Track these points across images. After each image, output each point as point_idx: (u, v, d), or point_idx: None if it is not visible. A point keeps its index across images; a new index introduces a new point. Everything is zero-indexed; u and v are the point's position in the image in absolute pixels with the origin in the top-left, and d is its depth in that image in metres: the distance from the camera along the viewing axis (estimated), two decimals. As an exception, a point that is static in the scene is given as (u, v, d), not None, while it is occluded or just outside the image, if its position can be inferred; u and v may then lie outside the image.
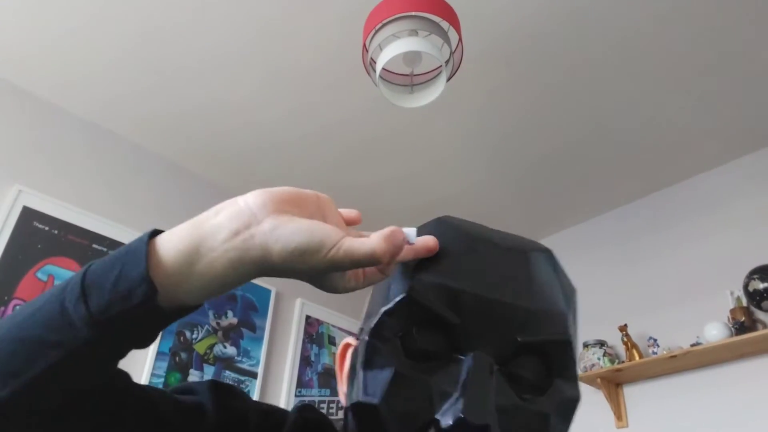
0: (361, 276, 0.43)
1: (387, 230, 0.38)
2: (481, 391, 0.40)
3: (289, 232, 0.36)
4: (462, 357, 0.42)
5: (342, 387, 0.53)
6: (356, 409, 0.43)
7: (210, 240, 0.37)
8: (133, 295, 0.35)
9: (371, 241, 0.36)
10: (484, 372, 0.41)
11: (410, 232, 0.41)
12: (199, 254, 0.37)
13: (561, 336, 0.44)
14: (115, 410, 0.41)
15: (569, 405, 0.45)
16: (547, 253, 0.48)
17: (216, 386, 0.50)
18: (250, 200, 0.38)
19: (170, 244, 0.37)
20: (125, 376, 0.43)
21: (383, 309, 0.44)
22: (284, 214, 0.37)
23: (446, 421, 0.39)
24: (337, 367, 0.55)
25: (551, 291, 0.46)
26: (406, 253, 0.41)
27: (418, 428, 0.40)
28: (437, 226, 0.47)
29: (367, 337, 0.45)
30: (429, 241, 0.43)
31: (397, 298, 0.44)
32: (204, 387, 0.50)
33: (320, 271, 0.37)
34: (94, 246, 2.38)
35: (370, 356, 0.44)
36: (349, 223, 0.45)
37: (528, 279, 0.45)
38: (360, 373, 0.44)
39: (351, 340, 0.54)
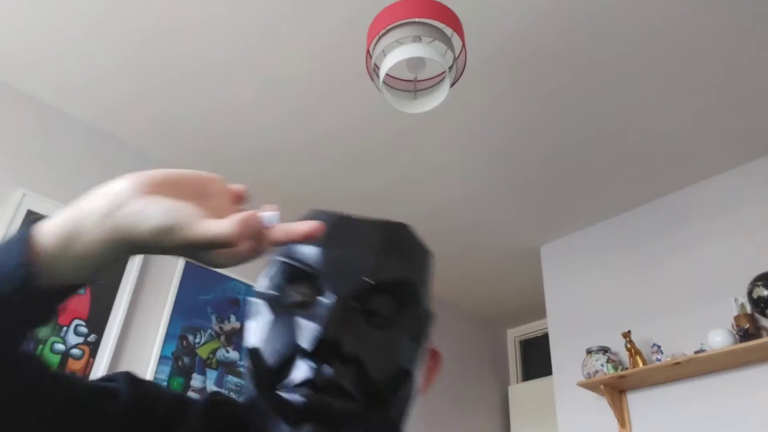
0: (232, 253, 0.43)
1: (243, 214, 0.39)
2: (336, 318, 0.50)
3: (150, 213, 0.38)
4: (324, 299, 0.52)
5: None
6: (246, 354, 0.53)
7: (84, 222, 0.39)
8: (13, 278, 0.39)
9: (224, 224, 0.38)
10: (340, 306, 0.51)
11: (271, 216, 0.41)
12: (73, 238, 0.39)
13: (406, 278, 0.57)
14: (29, 388, 0.44)
15: (418, 331, 0.57)
16: (403, 225, 0.61)
17: (132, 377, 0.56)
18: (123, 183, 0.40)
19: (49, 231, 0.40)
20: (40, 360, 0.46)
21: (264, 272, 0.58)
22: (154, 196, 0.39)
23: (306, 343, 0.50)
24: None
25: (400, 248, 0.58)
26: (286, 234, 0.42)
27: (288, 357, 0.51)
28: (311, 215, 0.60)
29: (252, 297, 0.57)
30: (308, 227, 0.42)
31: (274, 262, 0.57)
32: (122, 376, 0.55)
33: (184, 248, 0.39)
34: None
35: (254, 311, 0.56)
36: (235, 199, 0.46)
37: (381, 239, 0.58)
38: (247, 325, 0.56)
39: None
